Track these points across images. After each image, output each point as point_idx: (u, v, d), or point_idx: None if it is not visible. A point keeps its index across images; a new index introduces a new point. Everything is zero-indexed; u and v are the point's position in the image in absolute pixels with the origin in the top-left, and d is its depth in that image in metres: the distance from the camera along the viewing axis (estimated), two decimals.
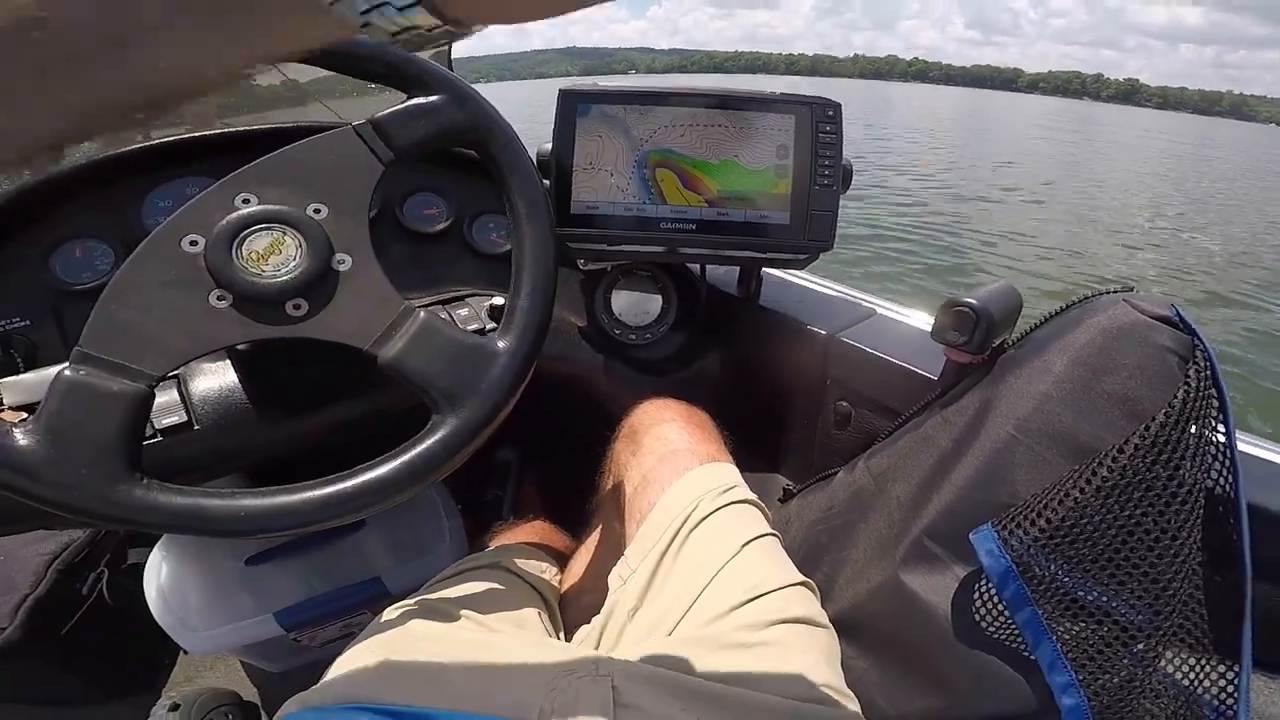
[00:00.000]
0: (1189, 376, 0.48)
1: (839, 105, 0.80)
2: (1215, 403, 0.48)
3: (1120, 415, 0.49)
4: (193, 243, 0.48)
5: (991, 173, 13.22)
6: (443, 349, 0.52)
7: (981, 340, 0.60)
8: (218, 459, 0.66)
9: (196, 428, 0.64)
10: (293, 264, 0.50)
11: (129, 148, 0.73)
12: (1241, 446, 0.50)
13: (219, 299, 0.48)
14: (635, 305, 0.91)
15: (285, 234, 0.50)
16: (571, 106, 0.79)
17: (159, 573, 0.84)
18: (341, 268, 0.51)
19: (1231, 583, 0.49)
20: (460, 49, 1.24)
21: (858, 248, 6.69)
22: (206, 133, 0.77)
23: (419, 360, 0.51)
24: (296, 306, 0.50)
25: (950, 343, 0.61)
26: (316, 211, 0.52)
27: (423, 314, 0.52)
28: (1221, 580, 0.50)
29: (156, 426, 0.62)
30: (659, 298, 0.91)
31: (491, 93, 0.58)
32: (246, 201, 0.51)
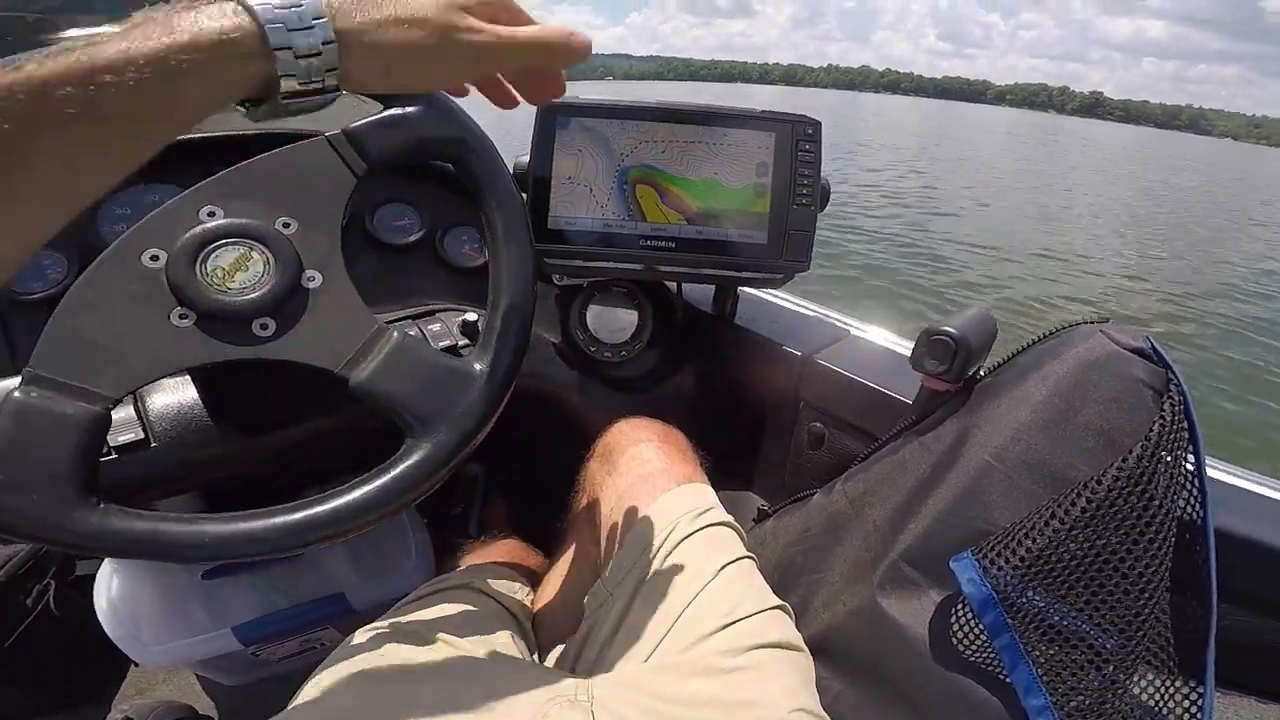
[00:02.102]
0: (1164, 410, 0.49)
1: (819, 124, 0.80)
2: (1187, 434, 0.49)
3: (1097, 446, 0.50)
4: (154, 257, 0.46)
5: (962, 192, 13.51)
6: (417, 371, 0.50)
7: (960, 369, 0.60)
8: (175, 478, 0.64)
9: (154, 445, 0.62)
10: (260, 281, 0.47)
11: None
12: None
13: (181, 318, 0.45)
14: (610, 322, 0.90)
15: (253, 249, 0.48)
16: (551, 119, 0.78)
17: (109, 585, 0.81)
18: (311, 285, 0.49)
19: (1197, 606, 0.50)
20: None
21: (827, 265, 6.80)
22: None
23: (393, 383, 0.49)
24: (264, 326, 0.47)
25: (929, 371, 0.62)
26: (286, 226, 0.49)
27: (396, 334, 0.50)
28: (1187, 604, 0.51)
29: (111, 444, 0.59)
30: (634, 314, 0.91)
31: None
32: (212, 214, 0.48)
